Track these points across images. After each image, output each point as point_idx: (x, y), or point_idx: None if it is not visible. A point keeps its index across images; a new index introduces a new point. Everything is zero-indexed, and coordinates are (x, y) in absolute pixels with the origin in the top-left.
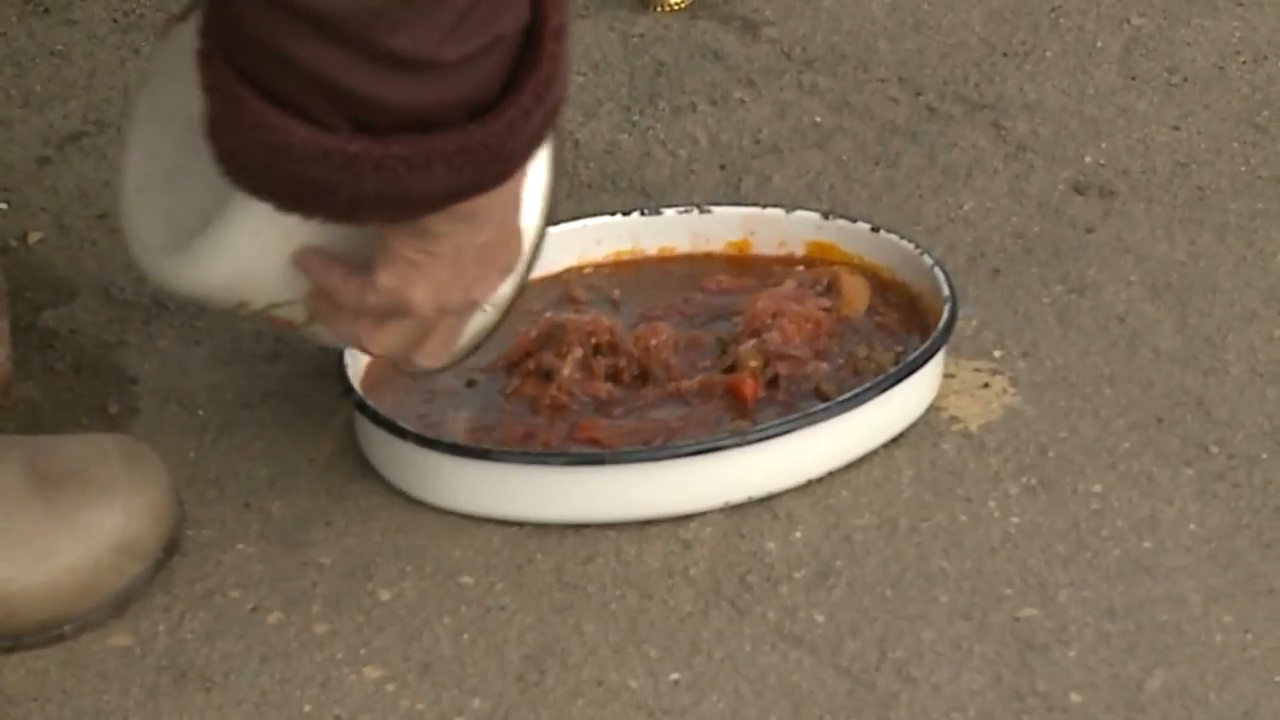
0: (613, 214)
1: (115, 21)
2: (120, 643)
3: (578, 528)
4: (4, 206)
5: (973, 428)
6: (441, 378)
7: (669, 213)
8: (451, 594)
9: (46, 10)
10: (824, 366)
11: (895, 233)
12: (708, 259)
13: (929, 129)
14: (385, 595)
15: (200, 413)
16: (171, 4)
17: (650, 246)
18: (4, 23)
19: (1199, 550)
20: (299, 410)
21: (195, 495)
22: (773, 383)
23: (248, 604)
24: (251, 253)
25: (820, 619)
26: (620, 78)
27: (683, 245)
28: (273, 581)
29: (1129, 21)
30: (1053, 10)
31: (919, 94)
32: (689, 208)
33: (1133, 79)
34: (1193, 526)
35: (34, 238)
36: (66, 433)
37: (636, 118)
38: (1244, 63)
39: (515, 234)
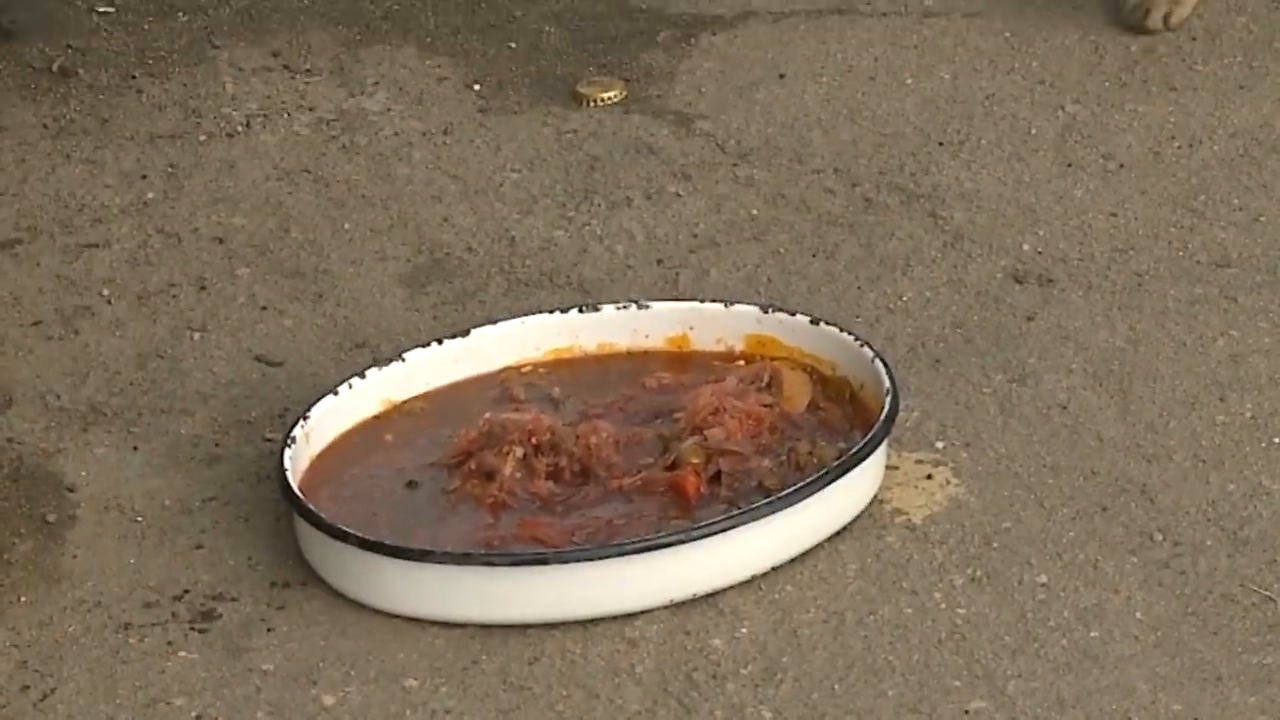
0: (551, 311)
1: (45, 127)
2: None
3: (522, 628)
4: None
5: (916, 520)
6: (380, 480)
7: (607, 309)
8: (396, 698)
9: None
10: (766, 462)
11: (835, 325)
12: (647, 355)
13: (866, 219)
14: (329, 700)
15: (139, 519)
16: (103, 109)
17: (589, 343)
18: None
19: (1146, 639)
20: (238, 515)
21: (135, 602)
22: (715, 479)
23: (191, 711)
24: None
25: (768, 715)
26: (555, 174)
27: (622, 342)
28: (215, 688)
29: (1063, 109)
30: (987, 98)
31: (855, 185)
32: (627, 304)
33: (1069, 166)
34: (1139, 615)
35: None
36: (3, 543)
37: (572, 214)
38: (1179, 148)
39: None
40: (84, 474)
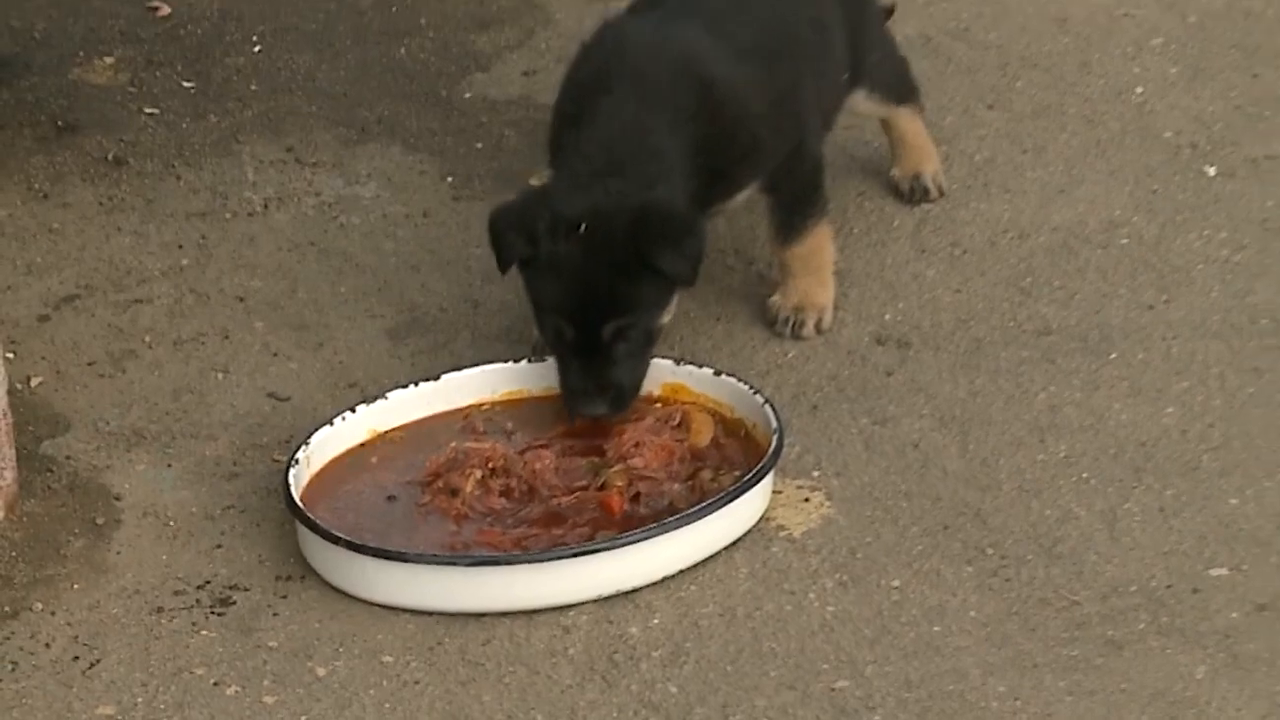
0: (506, 361)
1: (101, 204)
2: (105, 711)
3: (478, 616)
4: (11, 355)
5: (796, 534)
6: (366, 495)
7: (551, 360)
8: (375, 671)
9: (45, 195)
10: (677, 486)
11: (733, 376)
12: None
13: (759, 291)
14: (321, 672)
15: (171, 523)
16: (148, 191)
17: (536, 388)
18: (9, 205)
19: (978, 633)
20: (251, 521)
21: (167, 590)
22: (635, 499)
23: (210, 679)
24: None
25: (674, 690)
26: None
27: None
28: (230, 661)
29: (920, 206)
30: (858, 195)
31: (750, 264)
32: None
33: (923, 251)
34: (973, 614)
35: (35, 381)
36: (61, 541)
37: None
38: (1011, 239)
39: None
40: (127, 486)
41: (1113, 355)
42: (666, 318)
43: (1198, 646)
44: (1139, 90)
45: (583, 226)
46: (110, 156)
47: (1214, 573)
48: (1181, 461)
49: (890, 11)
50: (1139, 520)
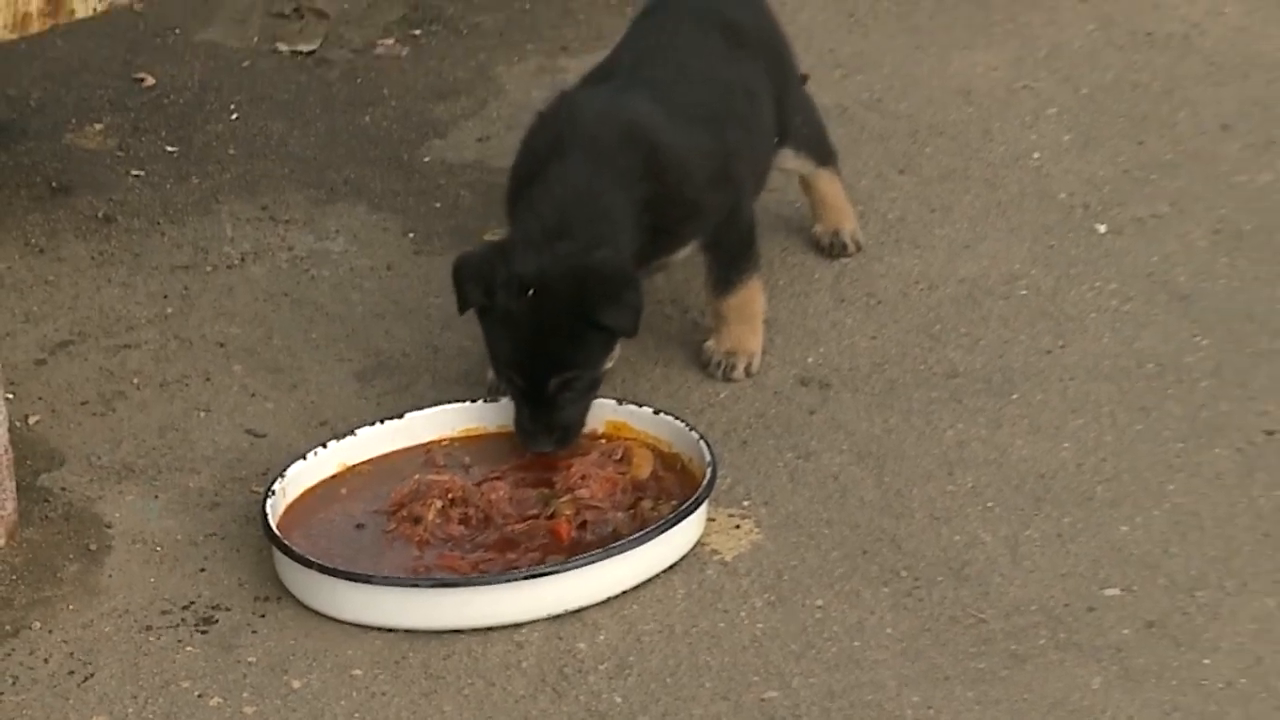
0: (464, 401)
1: (92, 258)
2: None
3: (439, 633)
4: (10, 396)
5: (728, 558)
6: (336, 523)
7: (505, 400)
8: (345, 683)
9: (41, 250)
10: (620, 515)
11: (671, 414)
12: None
13: (694, 338)
14: (297, 685)
15: (158, 549)
16: (135, 246)
17: (492, 425)
18: (8, 259)
19: (894, 648)
20: (232, 547)
21: (154, 610)
22: (582, 526)
23: (195, 691)
24: None
25: (619, 700)
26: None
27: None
28: (213, 675)
29: (839, 260)
30: (783, 250)
31: (686, 312)
32: None
33: (842, 301)
34: (889, 630)
35: (33, 419)
36: (57, 565)
37: (480, 331)
38: (921, 289)
39: None
40: (118, 515)
41: (1014, 395)
42: (609, 365)
43: (1093, 660)
44: (1036, 155)
45: (531, 290)
46: (101, 214)
47: (1107, 593)
48: (1077, 492)
49: (803, 80)
50: (1039, 545)
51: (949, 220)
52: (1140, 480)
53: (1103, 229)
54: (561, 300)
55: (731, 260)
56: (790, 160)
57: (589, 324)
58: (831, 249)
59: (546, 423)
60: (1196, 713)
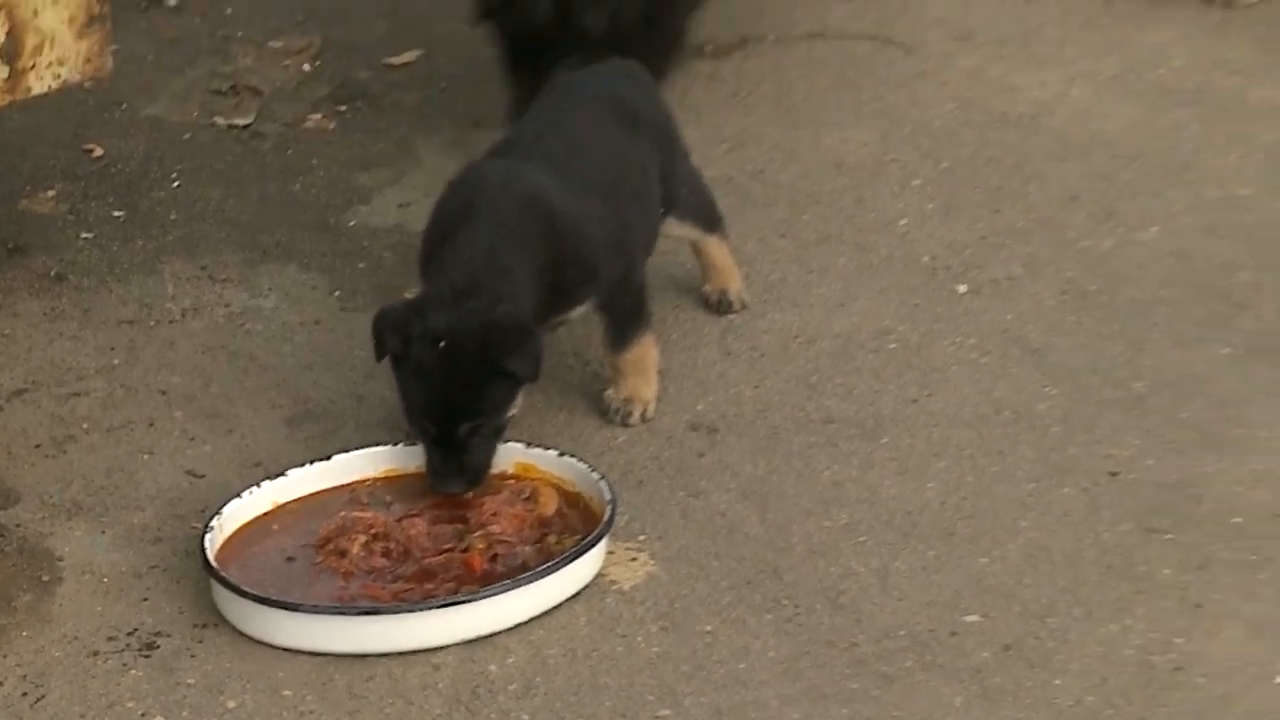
0: (385, 444)
1: (45, 314)
2: None
3: (363, 656)
4: None
5: (626, 588)
6: (269, 556)
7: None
8: (277, 703)
9: None
10: (528, 548)
11: (574, 456)
12: None
13: (594, 387)
14: (232, 704)
15: (105, 580)
16: (85, 303)
17: (411, 467)
18: None
19: (776, 669)
20: (173, 579)
21: (101, 637)
22: (493, 559)
23: (139, 711)
24: None
25: (526, 718)
26: None
27: None
28: (155, 695)
29: (725, 317)
30: (675, 307)
31: (587, 364)
32: None
33: (728, 354)
34: (771, 654)
35: None
36: (12, 595)
37: None
38: (800, 343)
39: None
40: (68, 549)
41: (884, 440)
42: (514, 412)
43: (955, 680)
44: (902, 222)
45: (442, 344)
46: (53, 273)
47: (968, 619)
48: (940, 528)
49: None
50: (906, 576)
51: (825, 280)
52: (997, 517)
53: (963, 289)
54: (470, 352)
55: (625, 319)
56: (677, 228)
57: (495, 372)
58: (719, 307)
59: (457, 466)
60: None
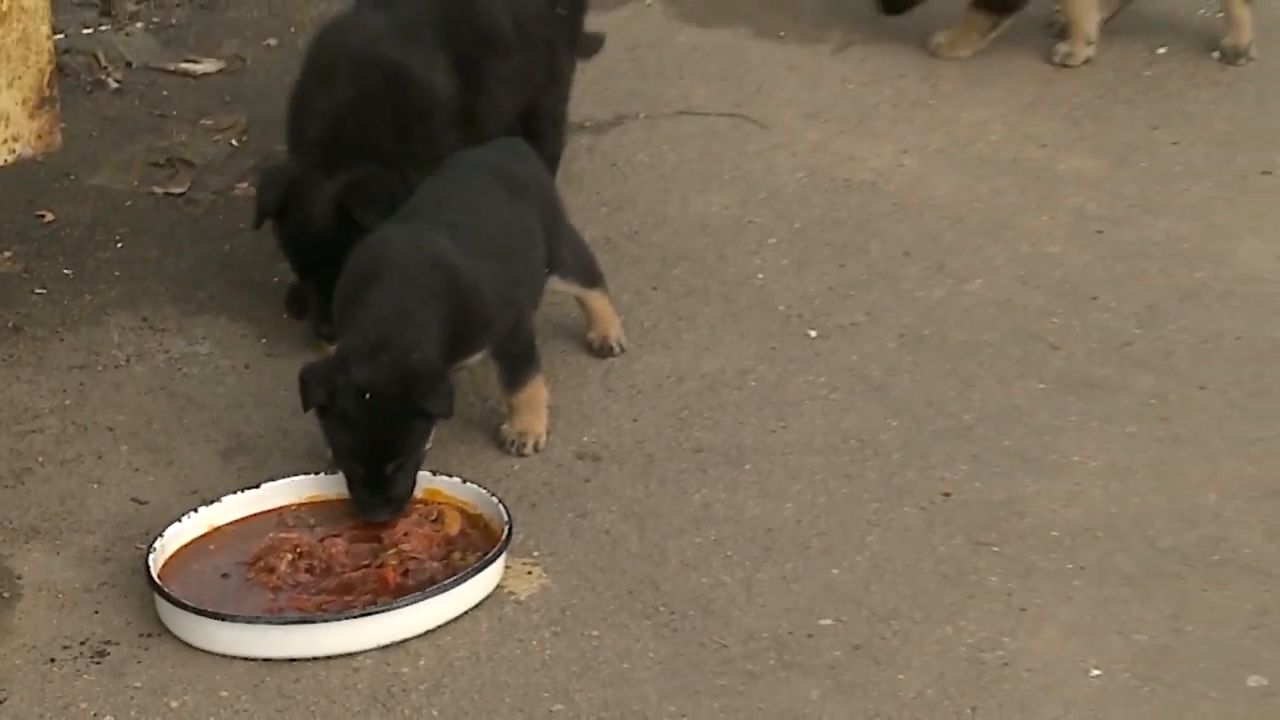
0: (310, 474)
1: (3, 361)
2: None
3: (291, 661)
4: None
5: (522, 598)
6: (206, 573)
7: (340, 472)
8: (215, 703)
9: None
10: (435, 564)
11: (475, 483)
12: None
13: (491, 421)
14: (175, 705)
15: (60, 595)
16: (40, 350)
17: (333, 494)
18: None
19: (655, 669)
20: (121, 594)
21: (57, 645)
22: (405, 574)
23: (91, 711)
24: None
25: (436, 713)
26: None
27: None
28: (106, 697)
29: (606, 360)
30: (563, 352)
31: (485, 401)
32: None
33: (609, 391)
34: (651, 655)
35: None
36: None
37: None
38: (672, 382)
39: None
40: (26, 568)
41: (747, 466)
42: (428, 446)
43: (812, 676)
44: (760, 276)
45: (367, 394)
46: (10, 325)
47: (822, 622)
48: (797, 543)
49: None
50: (768, 585)
51: (693, 327)
52: (846, 533)
53: (813, 334)
54: (391, 399)
55: (518, 363)
56: (561, 284)
57: (415, 414)
58: (601, 351)
59: (384, 497)
60: (894, 717)
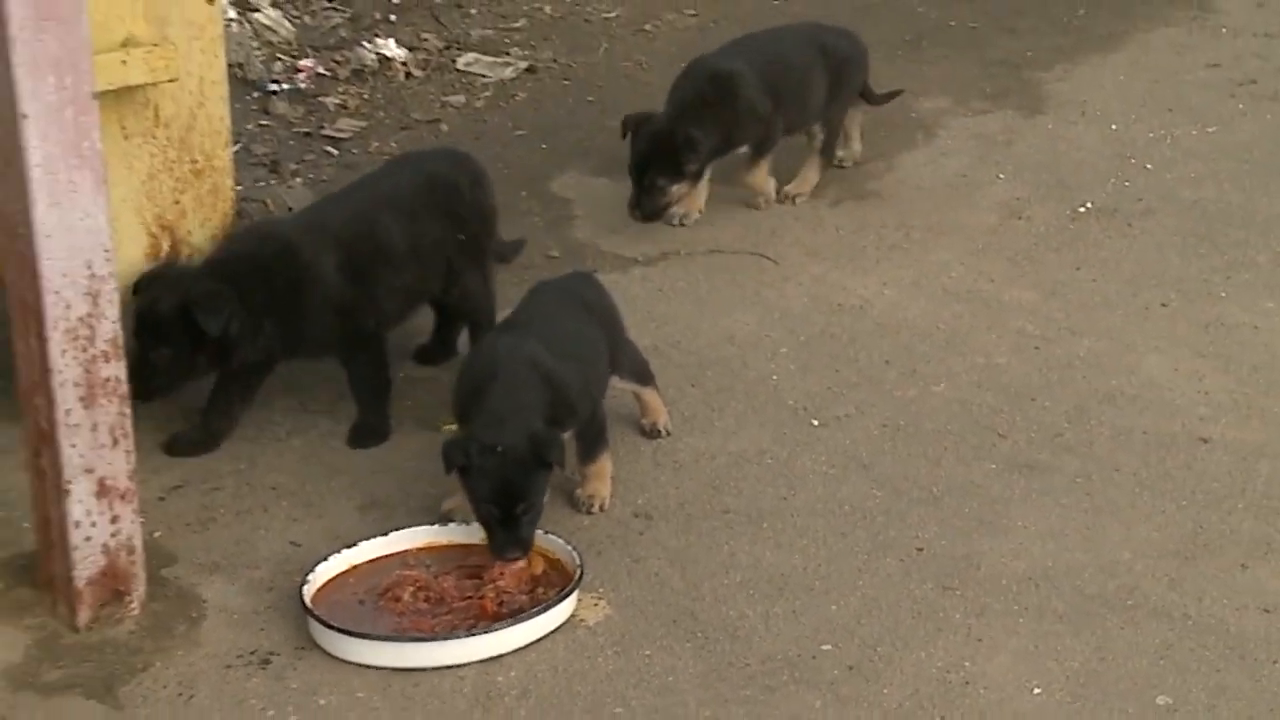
0: (427, 525)
1: None
2: None
3: (411, 670)
4: (143, 519)
5: (590, 624)
6: (347, 600)
7: (451, 524)
8: (353, 702)
9: None
10: (524, 597)
11: (554, 533)
12: (469, 548)
13: (567, 488)
14: (323, 701)
15: (235, 616)
16: None
17: (445, 540)
18: None
19: (694, 682)
20: (282, 616)
21: (232, 655)
22: (500, 604)
23: (259, 706)
24: None
25: (523, 713)
26: None
27: (459, 539)
28: (269, 695)
29: (659, 436)
30: (622, 433)
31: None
32: (461, 521)
33: (657, 465)
34: (690, 670)
35: (156, 534)
36: (172, 626)
37: None
38: (707, 458)
39: None
40: (210, 595)
41: (764, 525)
42: (546, 498)
43: (816, 690)
44: (774, 377)
45: (500, 448)
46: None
47: (824, 648)
48: (804, 585)
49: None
50: (782, 618)
51: (722, 417)
52: (841, 578)
53: (816, 423)
54: (519, 453)
55: (592, 441)
56: (620, 382)
57: (539, 462)
58: (651, 433)
59: (515, 538)
60: None
